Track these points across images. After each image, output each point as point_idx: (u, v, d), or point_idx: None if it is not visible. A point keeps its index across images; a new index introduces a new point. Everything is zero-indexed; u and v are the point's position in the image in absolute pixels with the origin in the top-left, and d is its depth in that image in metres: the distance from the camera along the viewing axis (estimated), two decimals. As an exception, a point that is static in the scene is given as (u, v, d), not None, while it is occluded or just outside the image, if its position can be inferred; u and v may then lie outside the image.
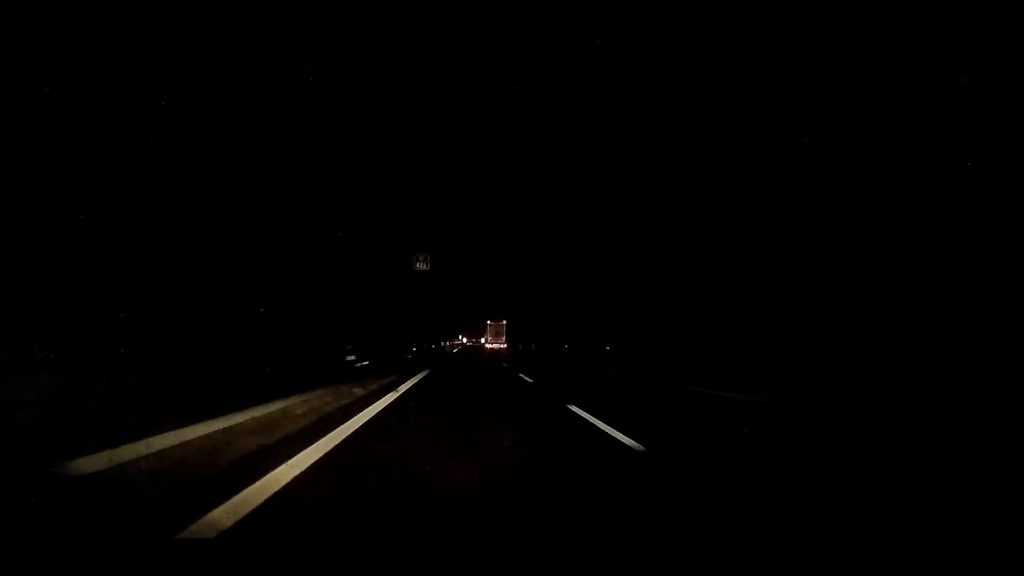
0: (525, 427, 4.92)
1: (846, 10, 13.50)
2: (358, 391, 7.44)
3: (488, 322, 50.49)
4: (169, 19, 8.38)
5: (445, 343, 58.53)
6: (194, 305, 8.08)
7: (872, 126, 15.23)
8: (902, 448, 4.21)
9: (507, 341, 49.25)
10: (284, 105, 12.15)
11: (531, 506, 2.46)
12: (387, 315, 22.09)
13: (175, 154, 8.75)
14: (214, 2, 9.37)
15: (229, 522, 2.08)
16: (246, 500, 2.37)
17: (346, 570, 1.52)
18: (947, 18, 11.70)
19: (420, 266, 20.43)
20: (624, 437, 4.13)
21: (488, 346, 49.16)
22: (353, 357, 13.05)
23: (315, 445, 3.59)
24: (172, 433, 3.16)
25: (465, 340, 70.90)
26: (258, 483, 2.63)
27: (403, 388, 8.59)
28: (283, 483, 2.69)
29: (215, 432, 3.59)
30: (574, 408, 6.04)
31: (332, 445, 3.68)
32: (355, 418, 5.02)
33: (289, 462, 3.09)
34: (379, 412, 5.61)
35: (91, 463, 2.64)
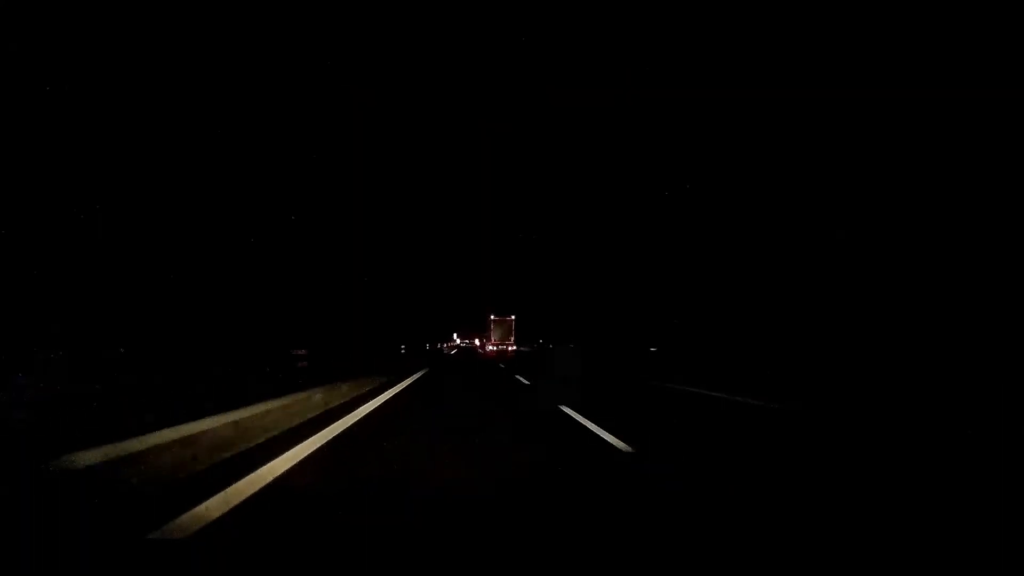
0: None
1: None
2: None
3: (492, 317, 39.69)
4: (170, 23, 8.41)
5: (443, 344, 54.52)
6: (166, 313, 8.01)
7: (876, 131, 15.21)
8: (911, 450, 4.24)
9: (516, 343, 38.98)
10: (284, 105, 12.18)
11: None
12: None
13: (176, 155, 8.79)
14: (213, 3, 9.40)
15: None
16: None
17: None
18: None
19: None
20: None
21: (490, 347, 39.06)
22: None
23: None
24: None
25: (459, 341, 63.42)
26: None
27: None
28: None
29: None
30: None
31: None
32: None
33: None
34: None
35: (80, 459, 2.68)
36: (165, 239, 8.53)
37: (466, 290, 54.00)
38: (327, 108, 14.79)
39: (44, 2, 6.75)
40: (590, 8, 20.23)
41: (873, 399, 7.37)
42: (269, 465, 3.10)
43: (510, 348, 38.00)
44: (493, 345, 38.93)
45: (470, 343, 61.57)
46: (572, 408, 5.97)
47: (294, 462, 3.25)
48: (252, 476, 2.86)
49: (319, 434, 4.19)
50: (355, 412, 5.50)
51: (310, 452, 3.55)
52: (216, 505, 2.42)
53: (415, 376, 11.80)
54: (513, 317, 39.43)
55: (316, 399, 5.40)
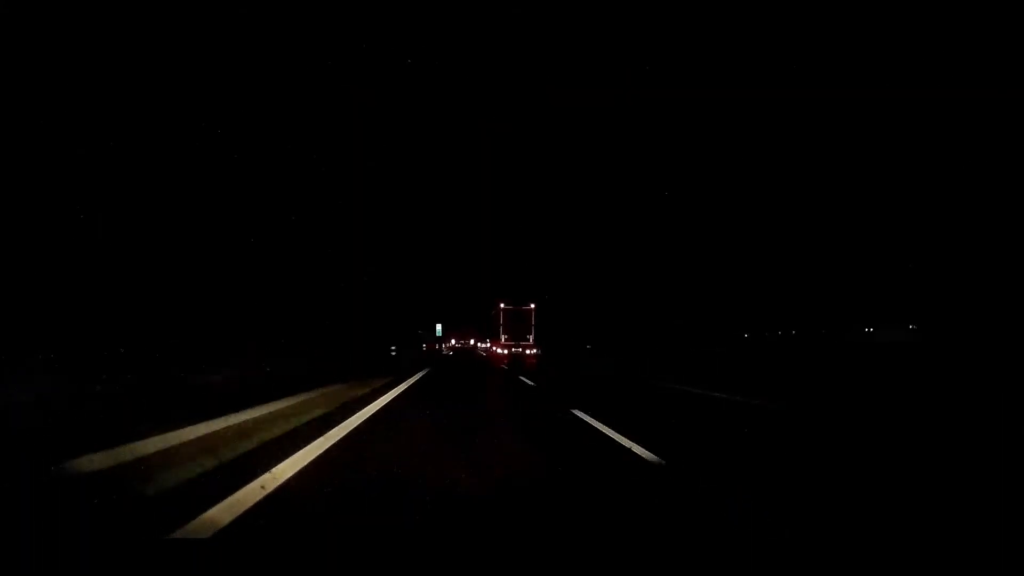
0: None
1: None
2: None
3: (501, 306, 27.03)
4: (170, 22, 8.40)
5: (441, 344, 51.63)
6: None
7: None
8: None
9: (536, 343, 26.49)
10: (283, 105, 12.16)
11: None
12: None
13: (176, 155, 8.76)
14: (213, 4, 9.39)
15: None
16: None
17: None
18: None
19: None
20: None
21: (498, 350, 26.84)
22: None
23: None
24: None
25: (456, 343, 59.18)
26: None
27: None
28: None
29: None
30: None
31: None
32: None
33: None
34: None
35: (91, 462, 2.65)
36: (164, 239, 8.49)
37: (464, 290, 53.70)
38: (327, 108, 14.77)
39: (44, 2, 6.72)
40: (590, 7, 20.25)
41: (874, 398, 7.56)
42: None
43: (529, 351, 25.81)
44: (503, 347, 26.17)
45: (464, 344, 59.32)
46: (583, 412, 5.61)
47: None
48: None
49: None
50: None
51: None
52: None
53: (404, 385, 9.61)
54: (533, 306, 26.57)
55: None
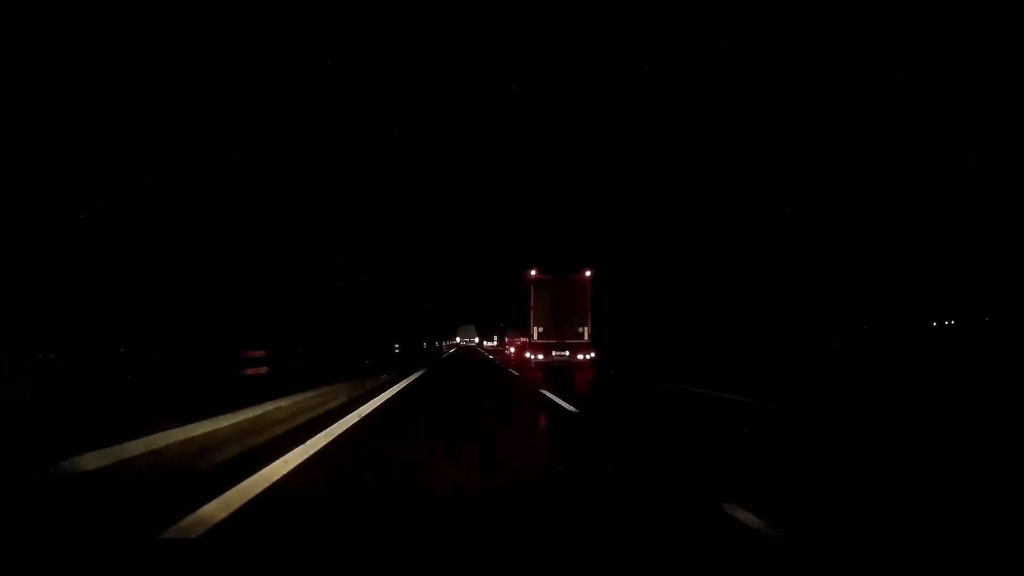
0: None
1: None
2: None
3: (533, 276, 16.01)
4: (170, 22, 8.40)
5: (442, 342, 51.80)
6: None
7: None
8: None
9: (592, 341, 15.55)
10: (283, 103, 12.17)
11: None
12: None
13: (179, 158, 8.78)
14: (215, 5, 9.40)
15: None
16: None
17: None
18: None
19: None
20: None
21: (528, 355, 16.45)
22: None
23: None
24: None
25: (459, 340, 59.57)
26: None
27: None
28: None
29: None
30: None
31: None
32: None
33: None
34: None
35: (88, 461, 2.64)
36: (163, 239, 8.50)
37: (465, 289, 53.34)
38: (327, 108, 14.78)
39: (44, 2, 6.73)
40: (588, 7, 20.25)
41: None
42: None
43: (581, 356, 15.55)
44: (537, 350, 16.02)
45: (468, 342, 57.87)
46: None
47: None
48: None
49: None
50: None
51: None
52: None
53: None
54: (589, 274, 16.14)
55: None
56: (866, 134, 16.72)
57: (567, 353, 15.46)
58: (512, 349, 20.78)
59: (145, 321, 7.43)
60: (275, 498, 2.62)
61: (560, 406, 6.94)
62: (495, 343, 53.20)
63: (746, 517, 2.36)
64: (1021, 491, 2.91)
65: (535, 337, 15.87)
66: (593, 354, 15.35)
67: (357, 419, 5.43)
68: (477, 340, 61.53)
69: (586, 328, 15.62)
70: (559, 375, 12.41)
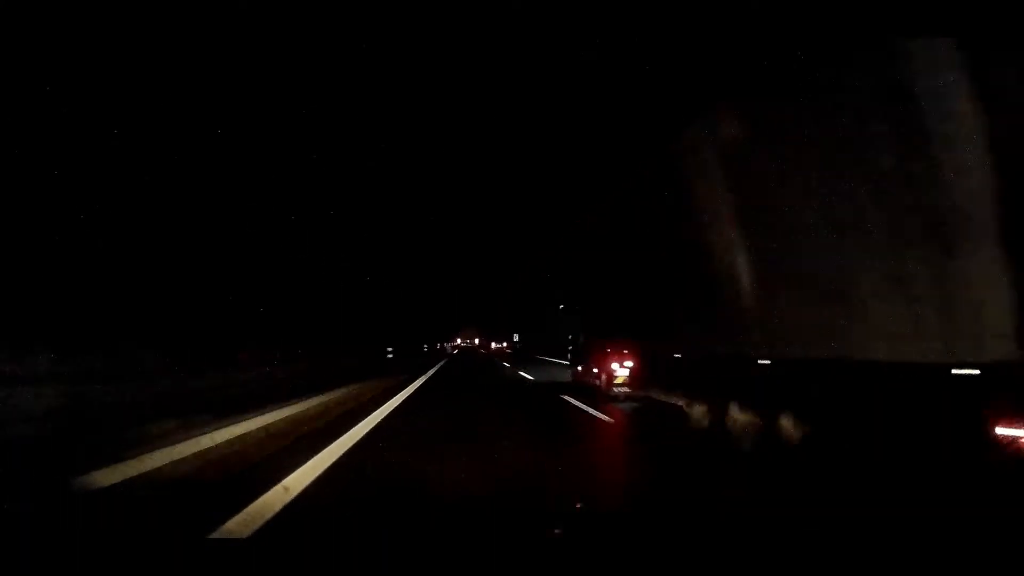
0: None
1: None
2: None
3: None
4: (173, 24, 8.39)
5: (444, 344, 52.01)
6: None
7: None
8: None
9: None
10: (283, 104, 12.15)
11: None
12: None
13: (180, 158, 8.77)
14: (216, 5, 9.38)
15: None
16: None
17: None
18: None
19: None
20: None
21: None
22: None
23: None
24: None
25: (461, 342, 60.42)
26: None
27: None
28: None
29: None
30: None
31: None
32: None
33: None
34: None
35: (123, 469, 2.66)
36: (161, 239, 8.50)
37: (468, 292, 53.09)
38: (327, 108, 14.75)
39: (43, 2, 6.72)
40: (586, 9, 20.26)
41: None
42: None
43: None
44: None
45: (468, 343, 58.17)
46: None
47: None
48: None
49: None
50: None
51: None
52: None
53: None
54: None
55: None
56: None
57: None
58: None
59: (140, 324, 7.40)
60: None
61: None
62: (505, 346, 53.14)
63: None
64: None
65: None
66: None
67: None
68: (478, 342, 61.98)
69: None
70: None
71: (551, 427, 7.07)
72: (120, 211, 7.68)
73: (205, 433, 3.62)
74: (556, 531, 1.83)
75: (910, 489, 3.23)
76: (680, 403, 7.30)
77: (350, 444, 4.67)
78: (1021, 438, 2.92)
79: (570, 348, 14.36)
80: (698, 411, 6.55)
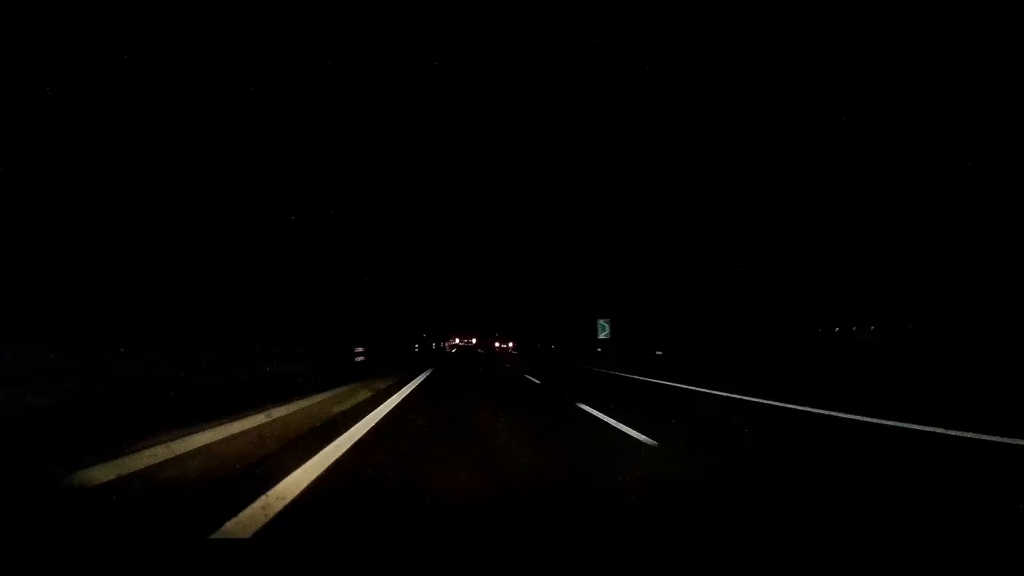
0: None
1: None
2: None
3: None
4: (174, 24, 8.39)
5: (442, 343, 51.78)
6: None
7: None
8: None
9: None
10: (283, 103, 12.14)
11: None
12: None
13: (180, 159, 8.75)
14: (219, 7, 9.38)
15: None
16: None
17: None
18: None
19: None
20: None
21: None
22: None
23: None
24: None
25: (459, 341, 60.06)
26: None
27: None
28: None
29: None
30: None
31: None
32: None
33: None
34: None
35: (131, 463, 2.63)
36: (160, 238, 8.48)
37: (465, 291, 52.96)
38: (327, 108, 14.74)
39: (44, 2, 6.72)
40: (589, 8, 20.27)
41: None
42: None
43: None
44: None
45: (466, 342, 56.80)
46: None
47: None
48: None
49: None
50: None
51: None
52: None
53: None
54: None
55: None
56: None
57: None
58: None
59: (135, 322, 7.36)
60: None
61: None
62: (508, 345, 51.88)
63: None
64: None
65: None
66: None
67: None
68: (475, 342, 62.28)
69: None
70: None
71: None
72: (118, 211, 7.67)
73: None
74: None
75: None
76: None
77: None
78: None
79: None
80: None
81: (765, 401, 6.51)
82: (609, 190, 29.05)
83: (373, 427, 4.72)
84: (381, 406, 6.16)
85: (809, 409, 5.70)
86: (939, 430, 4.19)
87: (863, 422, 4.80)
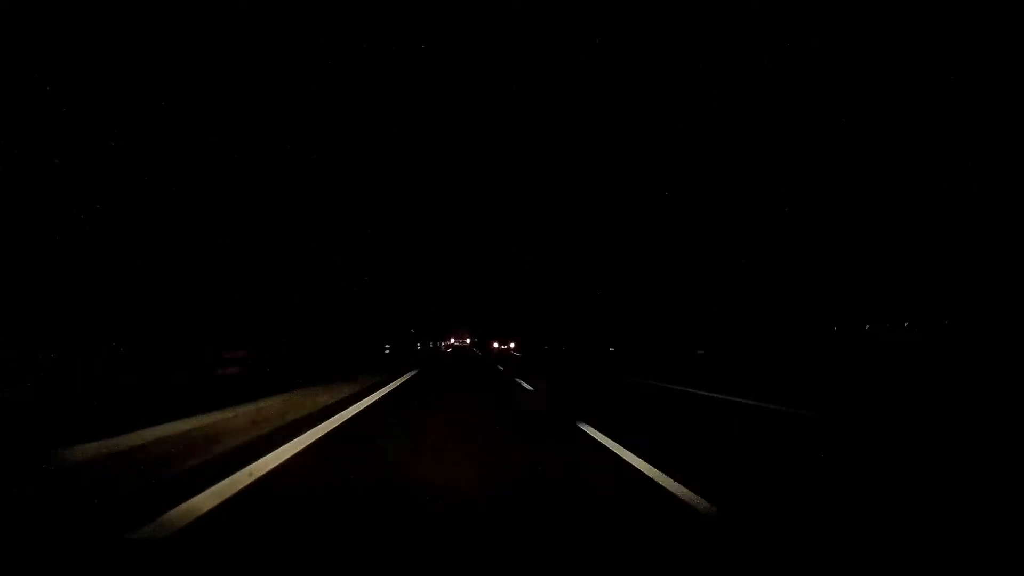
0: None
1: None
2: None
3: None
4: (174, 24, 8.42)
5: (439, 343, 51.93)
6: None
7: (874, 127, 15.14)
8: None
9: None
10: (282, 104, 12.18)
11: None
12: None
13: (178, 157, 8.78)
14: (218, 6, 9.41)
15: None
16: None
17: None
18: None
19: None
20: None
21: None
22: None
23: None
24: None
25: (455, 341, 60.99)
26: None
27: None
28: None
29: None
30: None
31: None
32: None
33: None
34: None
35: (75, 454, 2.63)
36: (159, 238, 8.51)
37: (462, 293, 52.85)
38: (327, 108, 14.78)
39: (43, 2, 6.76)
40: (586, 9, 20.23)
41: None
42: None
43: None
44: None
45: (460, 343, 57.86)
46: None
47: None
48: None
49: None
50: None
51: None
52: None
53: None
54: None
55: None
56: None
57: None
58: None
59: (132, 320, 7.37)
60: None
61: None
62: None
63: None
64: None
65: None
66: None
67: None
68: (469, 342, 61.98)
69: None
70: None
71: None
72: (115, 210, 7.70)
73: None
74: None
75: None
76: None
77: None
78: None
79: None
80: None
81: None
82: (608, 190, 29.05)
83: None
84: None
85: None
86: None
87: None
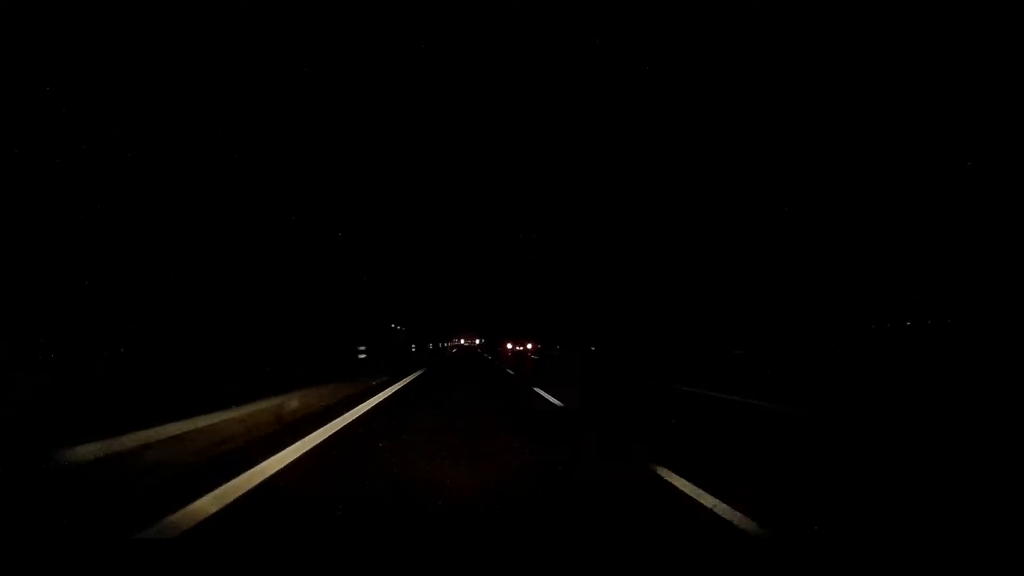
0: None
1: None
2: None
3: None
4: (173, 22, 8.42)
5: (444, 343, 53.17)
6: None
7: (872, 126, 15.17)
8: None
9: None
10: (281, 105, 12.17)
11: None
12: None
13: (176, 156, 8.77)
14: (217, 6, 9.41)
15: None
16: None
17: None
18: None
19: None
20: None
21: None
22: None
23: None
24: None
25: (463, 341, 60.98)
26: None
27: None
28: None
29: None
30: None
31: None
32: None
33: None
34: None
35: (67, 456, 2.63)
36: (158, 238, 8.49)
37: (464, 295, 52.93)
38: (327, 108, 14.77)
39: (44, 2, 6.74)
40: (586, 8, 20.23)
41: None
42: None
43: None
44: None
45: (469, 343, 58.53)
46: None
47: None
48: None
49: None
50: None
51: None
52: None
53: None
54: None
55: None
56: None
57: None
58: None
59: (132, 321, 7.36)
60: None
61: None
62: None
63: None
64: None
65: None
66: None
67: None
68: (478, 343, 62.15)
69: None
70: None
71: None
72: (114, 210, 7.68)
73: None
74: None
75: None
76: None
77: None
78: None
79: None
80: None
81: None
82: (608, 190, 29.07)
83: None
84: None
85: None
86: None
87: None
